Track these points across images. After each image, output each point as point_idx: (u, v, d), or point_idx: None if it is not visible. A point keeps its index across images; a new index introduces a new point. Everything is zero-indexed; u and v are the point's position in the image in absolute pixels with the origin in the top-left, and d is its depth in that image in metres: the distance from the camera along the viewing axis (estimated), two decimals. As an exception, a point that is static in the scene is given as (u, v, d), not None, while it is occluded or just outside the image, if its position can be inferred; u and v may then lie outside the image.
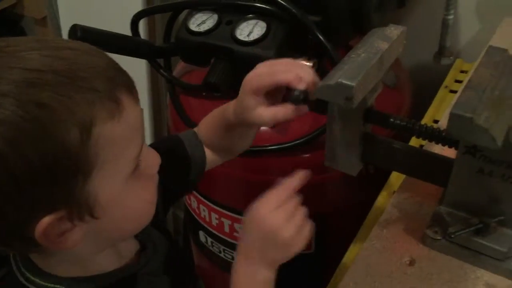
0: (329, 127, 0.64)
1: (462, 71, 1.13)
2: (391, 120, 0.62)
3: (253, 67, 0.90)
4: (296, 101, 0.59)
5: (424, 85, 1.27)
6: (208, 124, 0.74)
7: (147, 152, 0.53)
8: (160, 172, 0.58)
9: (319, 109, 0.66)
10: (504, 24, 1.04)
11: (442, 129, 0.60)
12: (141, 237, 0.60)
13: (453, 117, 0.52)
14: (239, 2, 0.92)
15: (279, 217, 0.58)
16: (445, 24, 0.54)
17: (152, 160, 0.54)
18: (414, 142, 0.90)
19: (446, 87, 1.18)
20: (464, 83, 0.95)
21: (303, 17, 0.89)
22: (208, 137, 0.74)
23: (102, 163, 0.45)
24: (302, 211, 0.60)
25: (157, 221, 0.62)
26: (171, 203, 0.76)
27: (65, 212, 0.46)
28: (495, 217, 0.59)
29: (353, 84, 0.54)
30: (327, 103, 0.62)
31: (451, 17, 0.54)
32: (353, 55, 0.59)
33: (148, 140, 1.55)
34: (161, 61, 1.05)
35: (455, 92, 1.15)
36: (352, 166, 0.66)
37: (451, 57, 0.57)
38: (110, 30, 0.94)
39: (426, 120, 1.11)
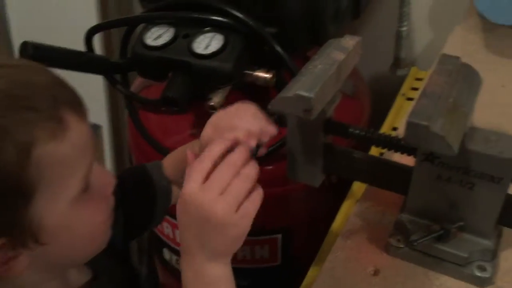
0: (290, 140, 0.64)
1: (417, 79, 1.15)
2: (351, 130, 0.62)
3: (211, 81, 0.90)
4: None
5: (382, 93, 1.30)
6: (176, 164, 0.72)
7: (100, 172, 0.51)
8: (125, 204, 0.55)
9: (279, 122, 0.65)
10: (455, 32, 1.07)
11: (400, 137, 0.61)
12: (95, 265, 0.57)
13: (409, 125, 0.53)
14: (196, 16, 0.92)
15: (208, 191, 0.48)
16: (399, 36, 0.55)
17: (105, 180, 0.52)
18: (374, 151, 0.90)
19: (403, 94, 1.20)
20: (420, 90, 0.97)
21: (260, 29, 0.89)
22: (175, 175, 0.72)
23: (45, 185, 0.43)
24: (242, 178, 0.50)
25: (116, 252, 0.59)
26: (134, 236, 0.73)
27: (6, 240, 0.43)
28: (455, 223, 0.60)
29: (311, 95, 0.54)
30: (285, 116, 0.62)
31: (404, 28, 0.55)
32: (310, 67, 0.59)
33: (109, 158, 1.51)
34: (118, 76, 1.03)
35: (412, 99, 1.17)
36: (314, 177, 0.66)
37: (406, 68, 0.57)
38: (64, 46, 0.92)
39: (386, 128, 1.12)
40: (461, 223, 0.60)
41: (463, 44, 1.02)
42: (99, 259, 0.53)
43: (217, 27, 0.90)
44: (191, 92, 0.88)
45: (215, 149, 0.51)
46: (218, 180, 0.49)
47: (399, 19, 0.54)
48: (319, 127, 0.61)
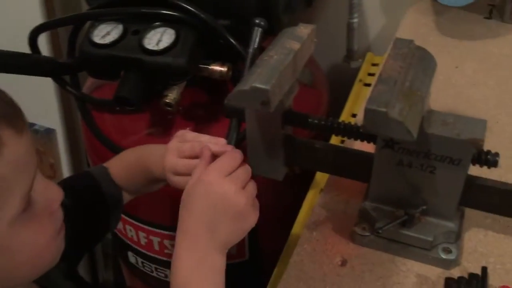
0: (249, 134, 0.62)
1: (373, 64, 1.16)
2: (310, 120, 0.61)
3: (165, 77, 0.87)
4: None
5: (340, 80, 1.30)
6: (124, 170, 0.69)
7: (44, 186, 0.47)
8: (73, 216, 0.53)
9: (237, 116, 0.64)
10: (407, 15, 1.07)
11: (359, 124, 0.60)
12: (42, 281, 0.53)
13: (368, 112, 0.52)
14: (145, 10, 0.89)
15: (233, 182, 0.52)
16: (350, 28, 0.54)
17: (51, 195, 0.48)
18: (335, 139, 0.90)
19: (360, 81, 1.20)
20: (376, 76, 0.97)
21: (212, 21, 0.87)
22: (124, 182, 0.69)
23: None
24: (253, 183, 0.56)
25: (68, 269, 0.56)
26: (87, 248, 0.70)
27: None
28: (418, 208, 0.60)
29: (268, 87, 0.52)
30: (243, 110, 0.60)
31: (355, 20, 0.54)
32: (265, 58, 0.57)
33: (65, 162, 1.46)
34: (68, 77, 0.99)
35: (369, 85, 1.18)
36: (277, 170, 0.65)
37: (360, 60, 0.56)
38: (7, 49, 0.87)
39: (345, 114, 1.12)
40: (424, 207, 0.60)
41: (416, 27, 1.03)
42: (48, 274, 0.50)
43: (167, 22, 0.87)
44: (145, 90, 0.85)
45: (238, 155, 0.56)
46: (239, 176, 0.54)
47: (349, 11, 0.53)
48: (278, 119, 0.60)
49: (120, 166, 0.70)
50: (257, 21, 0.57)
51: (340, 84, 1.29)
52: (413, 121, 0.52)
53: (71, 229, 0.52)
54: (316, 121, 0.61)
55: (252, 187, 0.55)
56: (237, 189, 0.53)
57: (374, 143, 0.60)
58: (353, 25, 0.53)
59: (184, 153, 0.60)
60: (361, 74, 1.23)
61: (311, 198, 0.93)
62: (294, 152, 0.64)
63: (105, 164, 0.71)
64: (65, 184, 0.63)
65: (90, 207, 0.66)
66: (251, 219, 0.54)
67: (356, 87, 1.19)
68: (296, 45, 0.58)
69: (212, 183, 0.52)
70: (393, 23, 1.26)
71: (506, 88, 0.86)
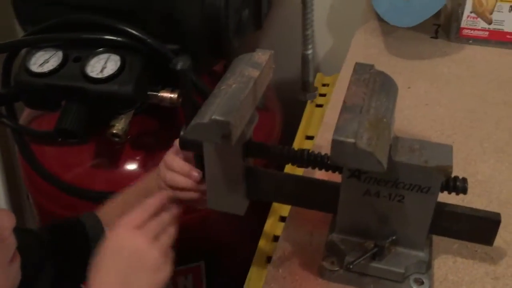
0: (208, 168, 0.58)
1: (323, 85, 1.15)
2: (273, 150, 0.58)
3: (111, 106, 0.82)
4: None
5: (291, 101, 1.28)
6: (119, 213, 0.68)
7: None
8: (58, 254, 0.53)
9: (193, 148, 0.59)
10: (357, 36, 1.07)
11: (323, 153, 0.57)
12: None
13: (335, 144, 0.49)
14: (86, 36, 0.83)
15: (145, 235, 0.53)
16: (305, 60, 0.51)
17: (1, 222, 0.46)
18: (290, 168, 0.87)
19: (311, 102, 1.18)
20: (330, 97, 0.96)
21: (160, 46, 0.83)
22: None
23: None
24: (169, 232, 0.56)
25: None
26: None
27: None
28: (387, 238, 0.58)
29: (229, 119, 0.49)
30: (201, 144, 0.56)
31: (309, 52, 0.51)
32: (223, 87, 0.54)
33: (3, 198, 1.36)
34: (3, 108, 0.91)
35: (321, 106, 1.17)
36: (238, 205, 0.61)
37: (315, 92, 0.54)
38: None
39: (299, 137, 1.10)
40: (394, 237, 0.58)
41: (366, 48, 1.03)
42: None
43: (111, 48, 0.82)
44: (89, 121, 0.80)
45: (153, 204, 0.57)
46: (151, 228, 0.54)
47: (303, 42, 0.50)
48: (239, 152, 0.56)
49: (113, 209, 0.69)
50: (178, 67, 0.54)
51: (291, 103, 1.28)
52: (382, 150, 0.50)
53: (52, 268, 0.52)
54: (279, 152, 0.58)
55: (165, 238, 0.56)
56: (150, 242, 0.53)
57: (340, 172, 0.57)
58: (308, 57, 0.51)
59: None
60: (312, 95, 1.22)
61: (270, 226, 0.89)
62: (256, 185, 0.60)
63: (100, 210, 0.70)
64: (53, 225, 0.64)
65: (77, 248, 0.65)
66: (166, 270, 0.54)
67: (308, 108, 1.18)
68: (255, 73, 0.55)
69: (124, 239, 0.53)
70: (341, 43, 1.26)
71: (459, 107, 0.87)
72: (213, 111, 0.50)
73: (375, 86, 0.57)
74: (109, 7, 0.86)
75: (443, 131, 0.82)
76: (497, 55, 0.99)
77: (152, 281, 0.52)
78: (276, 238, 0.90)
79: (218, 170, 0.58)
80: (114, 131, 0.81)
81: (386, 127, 0.53)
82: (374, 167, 0.49)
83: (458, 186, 0.54)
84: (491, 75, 0.94)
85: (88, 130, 0.81)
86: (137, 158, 0.94)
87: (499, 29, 0.99)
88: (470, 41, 1.02)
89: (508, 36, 0.99)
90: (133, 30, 0.83)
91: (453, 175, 0.54)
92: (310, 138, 1.12)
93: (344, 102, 0.54)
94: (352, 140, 0.48)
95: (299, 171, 0.73)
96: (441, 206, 0.56)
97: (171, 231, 0.57)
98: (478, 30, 1.00)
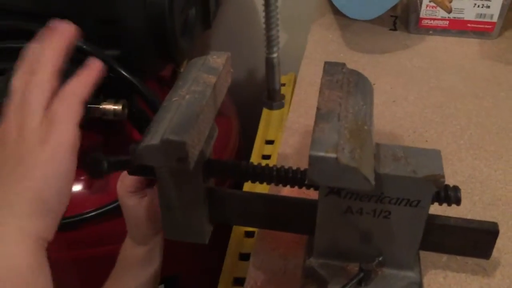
0: (162, 194, 0.50)
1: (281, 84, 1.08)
2: (239, 169, 0.49)
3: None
4: None
5: (244, 103, 1.20)
6: None
7: None
8: None
9: (144, 173, 0.51)
10: (313, 32, 1.00)
11: (295, 168, 0.50)
12: None
13: (314, 160, 0.42)
14: (12, 45, 0.72)
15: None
16: (270, 64, 0.43)
17: None
18: (249, 185, 0.80)
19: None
20: (290, 99, 0.89)
21: (99, 53, 0.73)
22: None
23: None
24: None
25: None
26: None
27: None
28: (373, 260, 0.51)
29: (185, 139, 0.40)
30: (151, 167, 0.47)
31: (275, 55, 0.43)
32: (175, 98, 0.45)
33: None
34: None
35: (278, 108, 1.10)
36: (200, 232, 0.53)
37: (283, 101, 0.46)
38: None
39: (259, 142, 1.03)
40: (380, 258, 0.51)
41: (324, 44, 0.96)
42: None
43: (42, 57, 0.71)
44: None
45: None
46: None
47: (267, 44, 0.42)
48: (199, 173, 0.48)
49: None
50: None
51: (246, 108, 1.20)
52: (367, 164, 0.43)
53: None
54: (244, 170, 0.50)
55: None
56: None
57: (316, 188, 0.50)
58: (273, 61, 0.43)
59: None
60: (269, 97, 1.14)
61: (233, 248, 0.82)
62: (220, 208, 0.52)
63: None
64: None
65: None
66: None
67: (266, 110, 1.11)
68: (211, 79, 0.47)
69: None
70: (294, 40, 1.20)
71: (428, 103, 0.81)
72: (164, 129, 0.41)
73: (350, 87, 0.50)
74: (37, 11, 0.76)
75: (415, 129, 0.77)
76: (459, 45, 0.95)
77: (18, 173, 0.40)
78: (242, 256, 0.82)
79: (174, 195, 0.49)
80: (51, 153, 0.71)
81: (367, 136, 0.46)
82: (360, 184, 0.42)
83: (450, 196, 0.48)
84: (455, 67, 0.90)
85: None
86: (82, 178, 0.84)
87: (460, 17, 0.95)
88: (430, 32, 0.97)
89: (469, 25, 0.95)
90: (66, 35, 0.73)
91: (453, 186, 0.47)
92: (269, 142, 1.05)
93: (318, 109, 0.46)
94: (333, 155, 0.41)
95: (260, 188, 0.66)
96: (431, 219, 0.50)
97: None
98: (438, 19, 0.96)
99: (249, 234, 0.86)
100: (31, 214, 0.39)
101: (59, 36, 0.45)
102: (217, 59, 0.50)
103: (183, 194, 0.50)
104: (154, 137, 0.42)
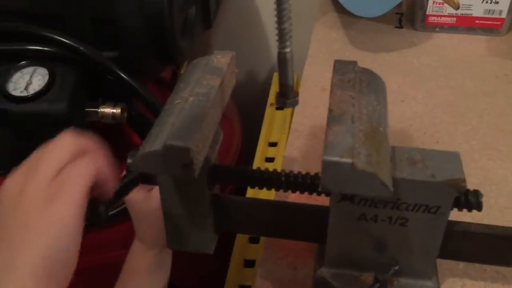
0: (165, 203, 0.47)
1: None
2: (247, 174, 0.47)
3: (41, 129, 0.69)
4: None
5: (246, 104, 1.18)
6: None
7: None
8: None
9: (145, 180, 0.48)
10: (316, 30, 0.98)
11: (304, 173, 0.47)
12: None
13: (328, 166, 0.39)
14: (5, 47, 0.70)
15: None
16: (282, 59, 0.40)
17: None
18: (252, 192, 0.77)
19: (271, 104, 1.08)
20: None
21: (96, 55, 0.70)
22: None
23: None
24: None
25: None
26: None
27: None
28: (389, 269, 0.48)
29: (189, 145, 0.37)
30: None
31: (287, 50, 0.40)
32: (177, 101, 0.42)
33: None
34: None
35: (281, 109, 1.07)
36: (206, 241, 0.50)
37: (297, 98, 0.43)
38: None
39: (262, 144, 1.00)
40: (396, 267, 0.48)
41: (329, 43, 0.93)
42: None
43: (37, 59, 0.69)
44: (14, 150, 0.66)
45: None
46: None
47: (279, 39, 0.40)
48: (203, 179, 0.45)
49: None
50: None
51: (248, 108, 1.17)
52: (384, 169, 0.40)
53: None
54: (251, 175, 0.47)
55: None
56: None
57: (328, 194, 0.47)
58: (286, 56, 0.40)
59: None
60: (271, 98, 1.11)
61: (237, 255, 0.79)
62: (226, 216, 0.49)
63: None
64: None
65: None
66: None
67: (268, 111, 1.08)
68: (216, 81, 0.44)
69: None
70: (299, 38, 1.17)
71: (437, 102, 0.79)
72: (166, 134, 0.39)
73: (362, 87, 0.47)
74: (31, 12, 0.73)
75: (425, 129, 0.74)
76: (467, 42, 0.92)
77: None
78: (247, 263, 0.80)
79: (178, 204, 0.47)
80: (47, 159, 0.68)
81: (383, 138, 0.43)
82: (378, 191, 0.39)
83: (471, 201, 0.45)
84: (464, 64, 0.87)
85: (15, 159, 0.68)
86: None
87: (467, 14, 0.92)
88: (437, 29, 0.95)
89: (477, 21, 0.92)
90: (63, 37, 0.70)
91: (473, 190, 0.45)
92: (273, 144, 1.02)
93: (330, 110, 0.44)
94: (349, 160, 0.38)
95: (265, 193, 0.63)
96: (452, 226, 0.47)
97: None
98: (445, 16, 0.93)
99: (253, 240, 0.83)
100: (36, 281, 0.36)
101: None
102: (221, 59, 0.47)
103: (187, 202, 0.47)
104: (156, 142, 0.39)
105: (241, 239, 0.83)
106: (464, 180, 0.43)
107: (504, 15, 0.90)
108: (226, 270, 0.81)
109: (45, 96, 0.67)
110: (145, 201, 0.51)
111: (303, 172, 0.48)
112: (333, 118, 0.43)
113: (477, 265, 0.55)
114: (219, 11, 1.02)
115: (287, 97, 0.44)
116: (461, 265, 0.55)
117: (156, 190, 0.50)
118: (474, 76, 0.84)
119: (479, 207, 0.45)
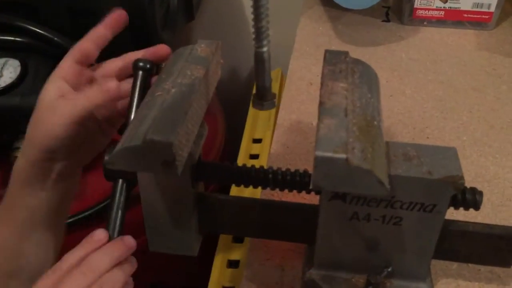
0: (146, 202, 0.44)
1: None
2: (233, 172, 0.44)
3: (12, 123, 0.65)
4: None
5: (229, 99, 1.15)
6: None
7: None
8: None
9: (123, 177, 0.44)
10: (302, 24, 0.95)
11: (293, 170, 0.45)
12: None
13: (320, 162, 0.36)
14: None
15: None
16: (259, 59, 0.38)
17: None
18: (236, 190, 0.74)
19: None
20: (278, 95, 0.83)
21: (69, 44, 0.66)
22: None
23: None
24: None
25: None
26: None
27: None
28: (382, 271, 0.46)
29: (172, 140, 0.34)
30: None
31: (265, 49, 0.38)
32: (158, 92, 0.39)
33: None
34: None
35: (265, 104, 1.04)
36: (189, 243, 0.47)
37: (274, 100, 0.41)
38: None
39: (246, 140, 0.97)
40: (389, 269, 0.46)
41: (314, 36, 0.91)
42: None
43: (8, 50, 0.65)
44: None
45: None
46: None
47: (256, 37, 0.37)
48: (187, 177, 0.42)
49: None
50: (141, 63, 0.42)
51: (231, 104, 1.14)
52: (380, 165, 0.37)
53: None
54: (237, 172, 0.44)
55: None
56: None
57: (318, 193, 0.44)
58: (263, 56, 0.37)
59: None
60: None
61: (222, 255, 0.76)
62: (210, 216, 0.47)
63: None
64: None
65: None
66: None
67: (252, 108, 1.05)
68: (200, 71, 0.41)
69: None
70: (283, 32, 1.15)
71: (426, 97, 0.77)
72: (146, 128, 0.36)
73: (354, 78, 0.45)
74: (2, 1, 0.69)
75: (414, 125, 0.72)
76: (456, 36, 0.90)
77: None
78: (231, 263, 0.77)
79: (159, 203, 0.44)
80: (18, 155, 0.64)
81: (378, 132, 0.40)
82: (374, 189, 0.37)
83: (468, 199, 0.43)
84: (452, 59, 0.85)
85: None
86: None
87: (456, 7, 0.90)
88: (425, 23, 0.93)
89: (465, 15, 0.91)
90: (36, 27, 0.66)
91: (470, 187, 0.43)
92: (257, 141, 0.99)
93: (322, 103, 0.41)
94: (342, 156, 0.36)
95: (249, 191, 0.60)
96: (448, 225, 0.45)
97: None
98: (433, 10, 0.91)
99: (237, 240, 0.80)
100: None
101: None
102: (206, 48, 0.44)
103: (169, 202, 0.44)
104: (135, 137, 0.36)
105: (224, 238, 0.80)
106: (462, 177, 0.41)
107: (492, 9, 0.89)
108: (210, 271, 0.78)
109: (16, 89, 0.63)
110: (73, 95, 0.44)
111: (292, 169, 0.45)
112: (324, 110, 0.40)
113: (471, 265, 0.53)
114: (202, 2, 0.99)
115: (265, 99, 0.41)
116: (455, 265, 0.53)
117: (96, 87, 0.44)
118: (463, 71, 0.82)
119: (476, 206, 0.43)
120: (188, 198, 0.44)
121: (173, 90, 0.39)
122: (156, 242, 0.47)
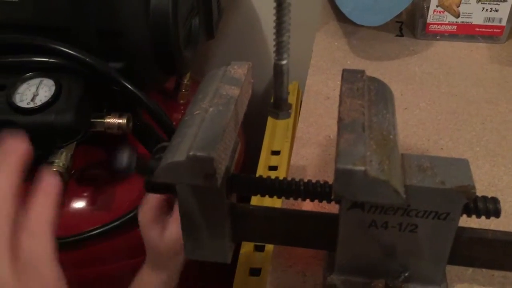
0: (184, 212, 0.47)
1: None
2: (264, 183, 0.47)
3: (47, 140, 0.69)
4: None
5: (248, 113, 1.18)
6: None
7: None
8: None
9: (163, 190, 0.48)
10: (318, 39, 0.99)
11: (322, 181, 0.48)
12: None
13: (341, 173, 0.39)
14: (11, 59, 0.70)
15: None
16: (278, 71, 0.41)
17: None
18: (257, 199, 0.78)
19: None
20: (296, 108, 0.86)
21: (102, 65, 0.71)
22: None
23: None
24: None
25: None
26: None
27: None
28: (399, 276, 0.48)
29: (213, 155, 0.38)
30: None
31: (284, 62, 0.41)
32: (197, 111, 0.43)
33: None
34: None
35: (283, 117, 1.08)
36: (223, 251, 0.50)
37: (290, 111, 0.44)
38: None
39: (265, 153, 1.01)
40: (406, 274, 0.49)
41: (330, 51, 0.94)
42: None
43: (43, 71, 0.69)
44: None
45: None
46: None
47: (276, 50, 0.40)
48: (223, 189, 0.46)
49: None
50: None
51: (252, 118, 1.18)
52: (396, 176, 0.41)
53: None
54: (270, 184, 0.47)
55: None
56: None
57: (337, 202, 0.48)
58: (282, 68, 0.41)
59: None
60: (273, 106, 1.12)
61: (243, 262, 0.79)
62: (242, 225, 0.50)
63: None
64: None
65: None
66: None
67: (270, 120, 1.09)
68: (235, 91, 0.44)
69: None
70: (298, 48, 1.18)
71: (440, 109, 0.79)
72: (189, 145, 0.39)
73: (371, 95, 0.48)
74: (37, 25, 0.74)
75: (429, 136, 0.75)
76: (468, 50, 0.93)
77: None
78: (253, 272, 0.80)
79: (197, 213, 0.47)
80: (54, 169, 0.68)
81: (394, 146, 0.43)
82: (390, 198, 0.40)
83: (489, 208, 0.45)
84: (465, 72, 0.88)
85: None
86: (85, 194, 0.82)
87: (468, 22, 0.93)
88: (438, 37, 0.96)
89: (477, 29, 0.94)
90: (68, 49, 0.71)
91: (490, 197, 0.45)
92: (275, 153, 1.03)
93: (341, 119, 0.44)
94: (361, 168, 0.39)
95: (269, 201, 0.63)
96: (463, 232, 0.47)
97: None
98: (446, 24, 0.94)
99: (259, 248, 0.83)
100: None
101: (13, 159, 0.39)
102: (238, 69, 0.47)
103: (205, 212, 0.47)
104: (178, 153, 0.39)
105: (246, 247, 0.83)
106: (473, 187, 0.44)
107: (504, 23, 0.91)
108: (232, 279, 0.81)
109: (51, 107, 0.67)
110: (159, 237, 0.55)
111: (313, 180, 0.48)
112: (343, 126, 0.43)
113: (485, 270, 0.55)
114: (221, 21, 1.03)
115: (281, 109, 0.44)
116: (469, 271, 0.56)
117: (169, 232, 0.55)
118: (475, 83, 0.85)
119: (497, 214, 0.45)
120: (223, 208, 0.47)
121: (210, 109, 0.42)
122: (192, 250, 0.50)
